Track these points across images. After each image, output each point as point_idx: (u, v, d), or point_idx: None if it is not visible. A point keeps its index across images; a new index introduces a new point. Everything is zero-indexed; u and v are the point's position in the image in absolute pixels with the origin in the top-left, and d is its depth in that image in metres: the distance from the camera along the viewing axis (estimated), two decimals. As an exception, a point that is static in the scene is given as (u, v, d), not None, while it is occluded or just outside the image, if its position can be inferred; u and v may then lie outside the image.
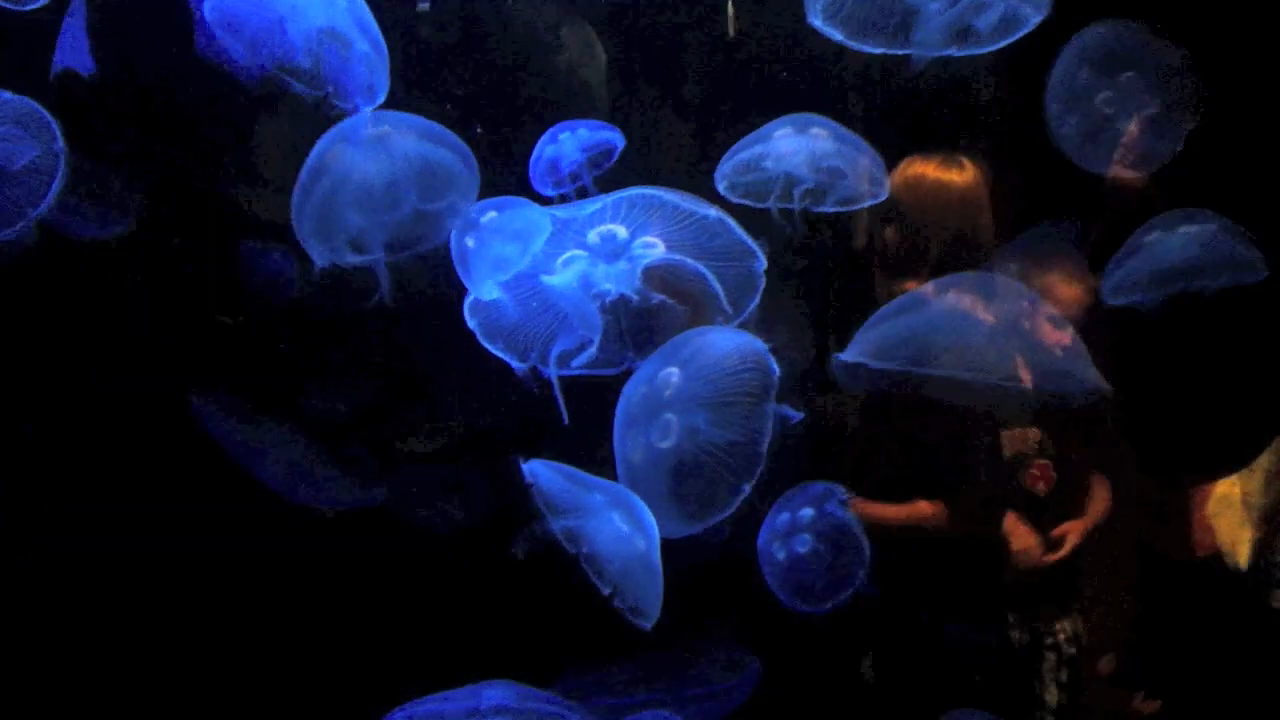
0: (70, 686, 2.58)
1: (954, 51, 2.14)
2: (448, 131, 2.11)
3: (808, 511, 2.33)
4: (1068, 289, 2.52)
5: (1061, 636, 2.56)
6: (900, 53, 2.15)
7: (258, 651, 2.59)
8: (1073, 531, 2.54)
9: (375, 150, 2.06)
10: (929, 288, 2.23)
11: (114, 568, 2.57)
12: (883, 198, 2.35)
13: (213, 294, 2.58)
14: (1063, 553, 2.53)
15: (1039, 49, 2.26)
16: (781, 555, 2.33)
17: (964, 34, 2.13)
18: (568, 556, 1.83)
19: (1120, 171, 2.51)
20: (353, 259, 2.08)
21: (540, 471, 1.83)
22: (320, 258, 2.07)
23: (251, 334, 2.58)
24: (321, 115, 2.07)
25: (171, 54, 2.39)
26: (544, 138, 2.26)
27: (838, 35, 2.16)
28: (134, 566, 2.57)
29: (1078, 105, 2.47)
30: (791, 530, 2.33)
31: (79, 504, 2.56)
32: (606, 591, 1.83)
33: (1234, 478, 2.60)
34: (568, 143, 2.24)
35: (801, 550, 2.33)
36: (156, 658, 2.58)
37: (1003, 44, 2.14)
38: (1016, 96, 2.56)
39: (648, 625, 1.81)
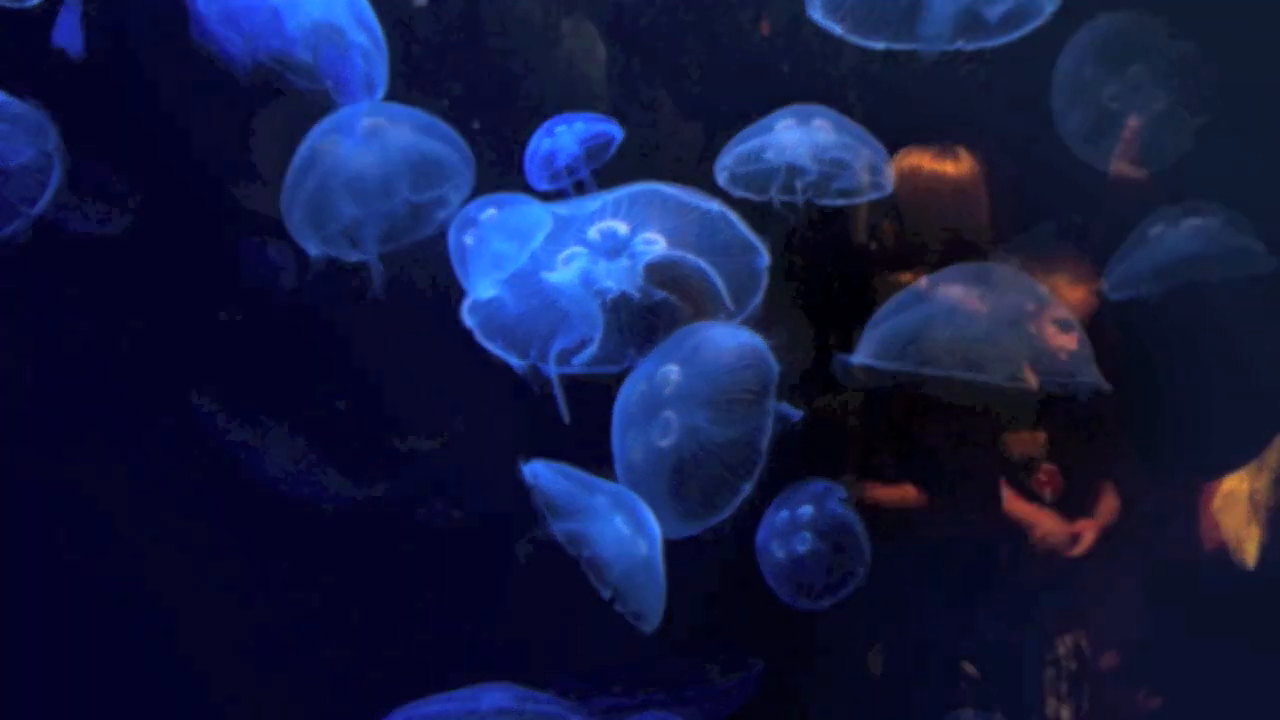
0: (68, 686, 2.59)
1: (962, 45, 2.11)
2: (443, 124, 2.10)
3: (808, 509, 2.32)
4: (1070, 288, 2.51)
5: (1062, 650, 2.56)
6: (905, 48, 2.12)
7: (257, 652, 2.60)
8: (1089, 529, 2.54)
9: (368, 141, 2.06)
10: (925, 282, 2.22)
11: (112, 568, 2.58)
12: (886, 189, 2.34)
13: (211, 290, 2.58)
14: (1081, 548, 2.53)
15: (1044, 41, 2.20)
16: (781, 554, 2.32)
17: (973, 26, 2.10)
18: (569, 559, 1.82)
19: (1124, 168, 2.49)
20: (346, 251, 2.08)
21: (542, 473, 1.82)
22: (313, 249, 2.06)
23: (250, 331, 2.58)
24: (320, 110, 2.06)
25: (168, 48, 2.38)
26: (540, 131, 2.24)
27: (838, 30, 2.13)
28: (133, 567, 2.58)
29: (1083, 99, 2.46)
30: (791, 528, 2.32)
31: (77, 502, 2.58)
32: (607, 595, 1.83)
33: (1241, 474, 2.59)
34: (564, 136, 2.23)
35: (801, 549, 2.32)
36: (155, 658, 2.59)
37: (1014, 36, 2.10)
38: (1020, 90, 2.54)
39: (649, 629, 1.81)
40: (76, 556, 2.57)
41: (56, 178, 2.05)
